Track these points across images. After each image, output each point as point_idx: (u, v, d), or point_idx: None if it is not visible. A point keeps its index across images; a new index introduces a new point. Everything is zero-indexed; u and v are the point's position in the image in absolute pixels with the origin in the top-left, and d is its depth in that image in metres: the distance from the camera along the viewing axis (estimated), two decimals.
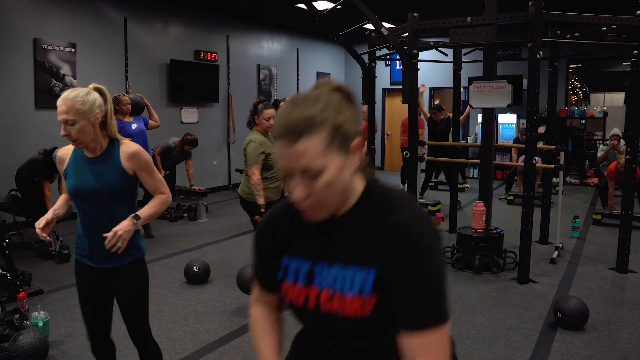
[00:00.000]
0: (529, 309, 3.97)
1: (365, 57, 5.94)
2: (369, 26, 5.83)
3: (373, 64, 5.99)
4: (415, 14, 4.76)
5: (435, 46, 6.19)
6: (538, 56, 4.25)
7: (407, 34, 4.95)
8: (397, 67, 11.86)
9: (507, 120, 10.68)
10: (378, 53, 6.15)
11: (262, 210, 3.78)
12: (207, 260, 4.74)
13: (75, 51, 6.81)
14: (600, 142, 9.90)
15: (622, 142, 7.87)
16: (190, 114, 8.39)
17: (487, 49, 5.18)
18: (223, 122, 9.23)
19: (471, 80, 5.63)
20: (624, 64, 13.32)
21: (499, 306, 4.02)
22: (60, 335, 3.48)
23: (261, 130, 3.98)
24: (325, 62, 12.23)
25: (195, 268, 4.44)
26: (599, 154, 8.15)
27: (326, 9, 5.67)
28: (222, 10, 8.83)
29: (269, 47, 10.33)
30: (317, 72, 11.87)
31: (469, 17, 4.53)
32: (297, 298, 1.15)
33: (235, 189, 9.36)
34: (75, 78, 6.82)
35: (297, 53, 11.07)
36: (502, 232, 4.98)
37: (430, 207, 6.93)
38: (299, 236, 1.17)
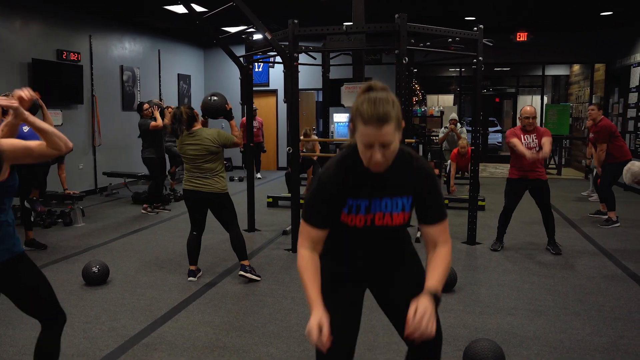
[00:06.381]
0: None
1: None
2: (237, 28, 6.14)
3: (250, 66, 6.34)
4: (296, 21, 5.22)
5: (311, 50, 6.69)
6: (404, 61, 4.95)
7: (284, 39, 5.37)
8: (256, 70, 12.28)
9: (342, 119, 11.77)
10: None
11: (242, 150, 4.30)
12: None
13: None
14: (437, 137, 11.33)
15: (459, 125, 9.41)
16: (54, 116, 7.90)
17: (356, 54, 5.82)
18: (88, 125, 8.84)
19: (339, 81, 6.23)
20: (450, 70, 15.29)
21: None
22: None
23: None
24: (186, 64, 12.19)
25: (95, 269, 4.39)
26: (440, 135, 9.61)
27: (206, 12, 5.83)
28: (84, 8, 8.47)
29: (131, 48, 10.07)
30: (178, 74, 11.80)
31: (344, 26, 5.10)
32: (360, 222, 1.86)
33: (103, 193, 9.02)
34: None
35: (159, 54, 10.93)
36: None
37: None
38: (359, 185, 1.82)
